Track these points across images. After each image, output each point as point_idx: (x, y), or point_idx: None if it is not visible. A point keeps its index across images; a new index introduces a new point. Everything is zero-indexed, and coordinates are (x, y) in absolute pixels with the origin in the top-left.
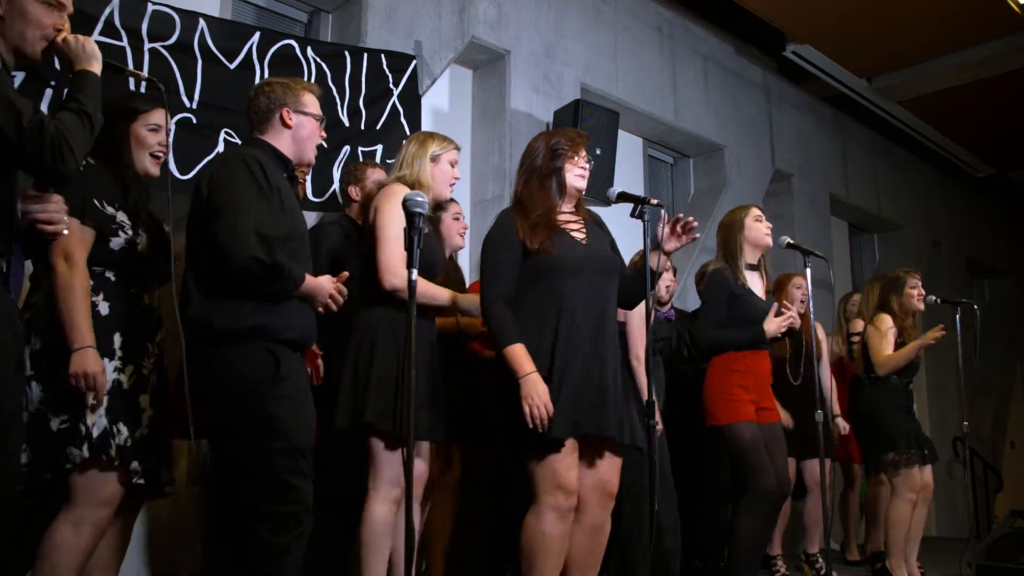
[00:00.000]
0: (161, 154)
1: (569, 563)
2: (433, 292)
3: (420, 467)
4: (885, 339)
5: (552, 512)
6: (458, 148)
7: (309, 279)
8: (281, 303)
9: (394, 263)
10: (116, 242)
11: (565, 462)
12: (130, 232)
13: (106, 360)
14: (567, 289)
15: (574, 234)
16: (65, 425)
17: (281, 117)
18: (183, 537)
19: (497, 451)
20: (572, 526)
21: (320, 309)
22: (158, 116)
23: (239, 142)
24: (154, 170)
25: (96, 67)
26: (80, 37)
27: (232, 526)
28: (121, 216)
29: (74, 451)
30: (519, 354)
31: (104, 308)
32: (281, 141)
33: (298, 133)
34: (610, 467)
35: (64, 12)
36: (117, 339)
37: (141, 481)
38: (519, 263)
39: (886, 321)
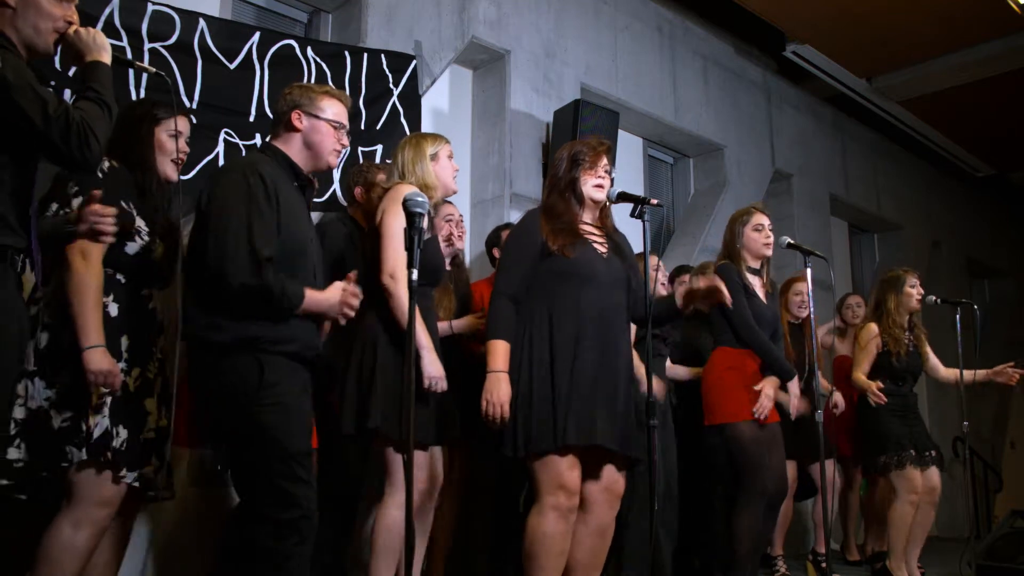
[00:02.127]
0: (181, 160)
1: (574, 565)
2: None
3: (434, 471)
4: (864, 352)
5: (554, 512)
6: (448, 141)
7: (313, 296)
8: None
9: (395, 263)
10: (132, 246)
11: (567, 462)
12: (147, 238)
13: None
14: (580, 295)
15: (596, 245)
16: (66, 424)
17: (290, 119)
18: (188, 542)
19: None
20: (580, 527)
21: (341, 321)
22: (178, 123)
23: (239, 142)
24: (174, 175)
25: (106, 58)
26: (90, 29)
27: (240, 532)
28: (139, 221)
29: (73, 450)
30: (499, 350)
31: (114, 310)
32: (292, 146)
33: (308, 138)
34: (616, 470)
35: (72, 3)
36: (124, 341)
37: (136, 484)
38: (535, 262)
39: (870, 331)
